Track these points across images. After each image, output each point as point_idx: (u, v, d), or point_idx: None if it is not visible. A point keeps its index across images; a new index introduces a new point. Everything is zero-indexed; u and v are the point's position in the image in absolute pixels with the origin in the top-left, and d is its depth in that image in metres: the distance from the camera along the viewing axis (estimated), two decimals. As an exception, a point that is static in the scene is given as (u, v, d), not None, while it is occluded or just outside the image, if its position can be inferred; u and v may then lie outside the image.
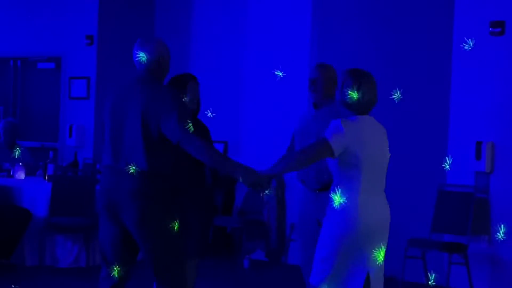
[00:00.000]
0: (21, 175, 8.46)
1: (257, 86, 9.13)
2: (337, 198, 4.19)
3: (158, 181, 4.30)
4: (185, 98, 4.74)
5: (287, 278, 7.99)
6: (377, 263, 4.23)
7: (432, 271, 7.57)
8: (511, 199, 7.28)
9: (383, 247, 4.25)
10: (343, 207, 4.18)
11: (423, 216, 7.69)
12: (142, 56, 4.42)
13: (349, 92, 4.22)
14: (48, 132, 10.80)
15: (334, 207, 4.21)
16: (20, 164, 8.48)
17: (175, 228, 4.31)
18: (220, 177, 4.86)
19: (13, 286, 6.54)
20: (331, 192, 4.25)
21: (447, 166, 6.02)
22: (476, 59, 7.46)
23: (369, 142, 4.22)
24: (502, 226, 6.95)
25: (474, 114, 7.50)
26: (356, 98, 4.21)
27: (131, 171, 4.25)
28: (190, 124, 4.22)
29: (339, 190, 4.20)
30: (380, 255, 4.22)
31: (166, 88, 4.47)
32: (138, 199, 4.26)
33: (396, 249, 7.57)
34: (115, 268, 4.35)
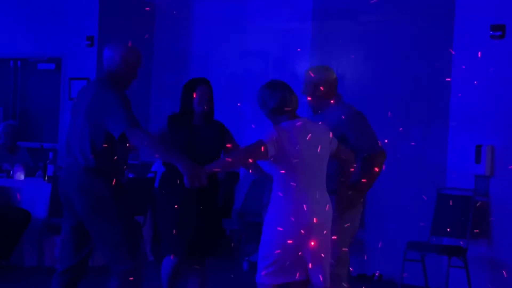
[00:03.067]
0: (20, 176, 8.46)
1: (258, 88, 9.11)
2: (274, 198, 4.45)
3: (103, 176, 4.60)
4: (194, 99, 5.28)
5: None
6: (317, 257, 4.42)
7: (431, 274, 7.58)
8: (510, 203, 7.27)
9: (324, 242, 4.44)
10: (279, 207, 4.43)
11: (423, 219, 7.69)
12: (106, 59, 4.83)
13: (269, 101, 4.67)
14: (48, 133, 10.79)
15: (272, 207, 4.46)
16: (20, 164, 8.48)
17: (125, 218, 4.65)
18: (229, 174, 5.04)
19: None
20: (272, 193, 4.49)
21: None
22: (477, 63, 7.45)
23: (301, 144, 4.41)
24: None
25: (474, 118, 7.50)
26: (278, 106, 4.58)
27: (79, 167, 4.60)
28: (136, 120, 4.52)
29: (276, 190, 4.45)
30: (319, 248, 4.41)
31: (113, 89, 4.67)
32: (85, 193, 4.59)
33: (395, 252, 7.57)
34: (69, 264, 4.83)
